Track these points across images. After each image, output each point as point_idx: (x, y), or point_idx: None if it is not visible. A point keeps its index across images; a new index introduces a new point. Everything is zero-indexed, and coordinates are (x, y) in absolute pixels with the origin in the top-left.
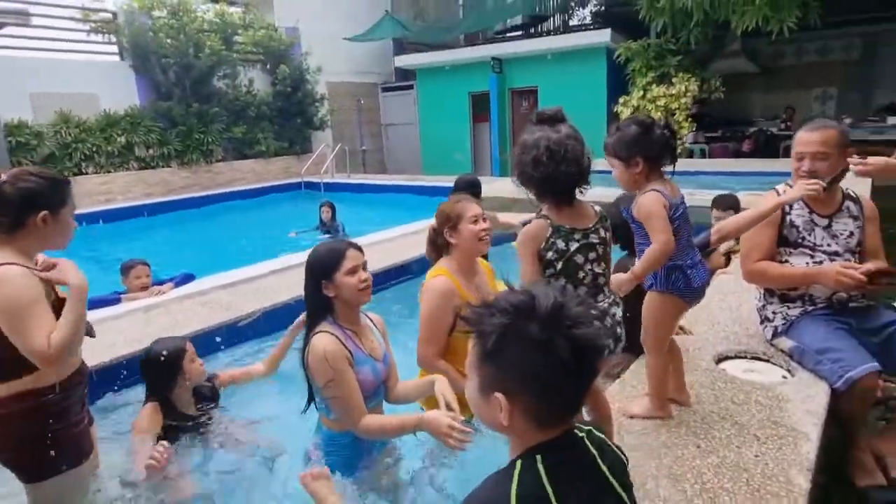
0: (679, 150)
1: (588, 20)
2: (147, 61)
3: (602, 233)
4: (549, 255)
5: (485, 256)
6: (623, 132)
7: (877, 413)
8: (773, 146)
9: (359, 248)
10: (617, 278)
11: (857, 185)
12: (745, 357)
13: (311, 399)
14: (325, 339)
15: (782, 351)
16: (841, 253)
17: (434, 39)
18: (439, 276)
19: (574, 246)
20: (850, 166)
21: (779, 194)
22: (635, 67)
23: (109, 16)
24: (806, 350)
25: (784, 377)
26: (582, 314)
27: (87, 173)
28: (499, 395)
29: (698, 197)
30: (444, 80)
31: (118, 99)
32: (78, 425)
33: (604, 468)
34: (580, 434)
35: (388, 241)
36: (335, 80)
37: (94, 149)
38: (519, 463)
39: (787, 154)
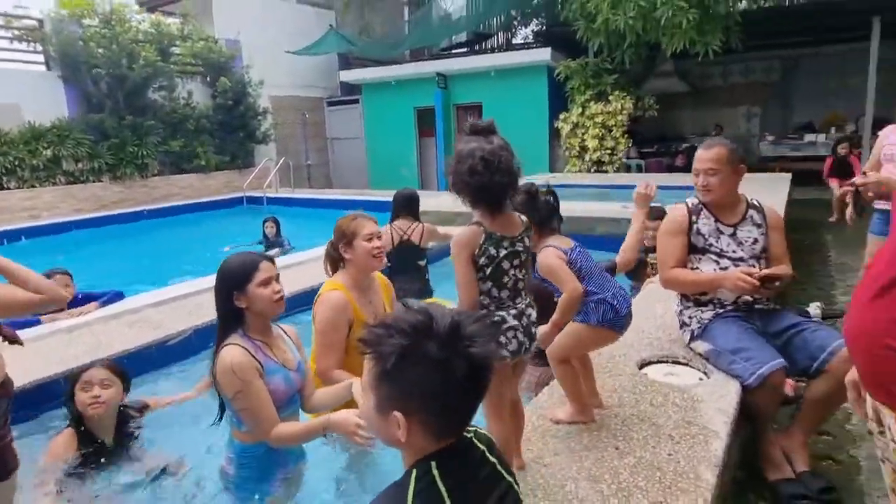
0: (617, 166)
1: (530, 39)
2: (77, 71)
3: (526, 241)
4: (482, 260)
5: (385, 271)
6: (511, 201)
7: (789, 411)
8: None
9: (271, 261)
10: (540, 332)
11: (765, 195)
12: (667, 361)
13: (222, 411)
14: (232, 352)
15: (699, 354)
16: (746, 259)
17: (380, 55)
18: (333, 291)
19: (503, 252)
20: (857, 181)
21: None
22: (574, 85)
23: (35, 23)
24: (721, 351)
25: (700, 379)
26: (477, 332)
27: (8, 188)
28: (397, 413)
29: (630, 210)
30: (390, 95)
31: (44, 110)
32: (2, 440)
33: (493, 460)
34: (469, 435)
35: None
36: (279, 93)
37: (17, 162)
38: (414, 472)
39: None
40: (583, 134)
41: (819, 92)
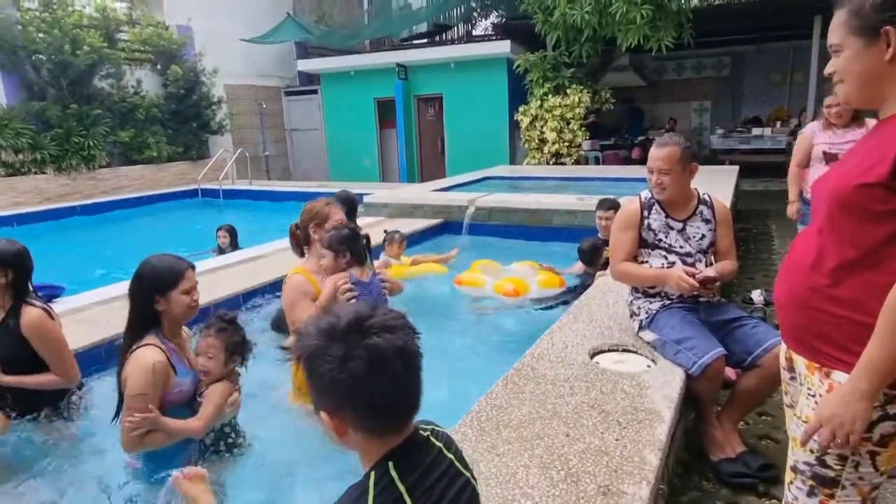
0: (575, 158)
1: (490, 31)
2: (15, 57)
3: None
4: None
5: None
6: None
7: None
8: None
9: (194, 268)
10: None
11: (714, 187)
12: (617, 350)
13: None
14: (155, 353)
15: (647, 343)
16: (693, 254)
17: (339, 44)
18: (295, 275)
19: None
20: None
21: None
22: (533, 78)
23: None
24: (666, 341)
25: (648, 366)
26: (380, 323)
27: None
28: (323, 413)
29: (587, 201)
30: (350, 85)
31: None
32: None
33: (450, 456)
34: (425, 433)
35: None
36: (234, 82)
37: None
38: (373, 474)
39: None
40: (541, 126)
41: (766, 87)
